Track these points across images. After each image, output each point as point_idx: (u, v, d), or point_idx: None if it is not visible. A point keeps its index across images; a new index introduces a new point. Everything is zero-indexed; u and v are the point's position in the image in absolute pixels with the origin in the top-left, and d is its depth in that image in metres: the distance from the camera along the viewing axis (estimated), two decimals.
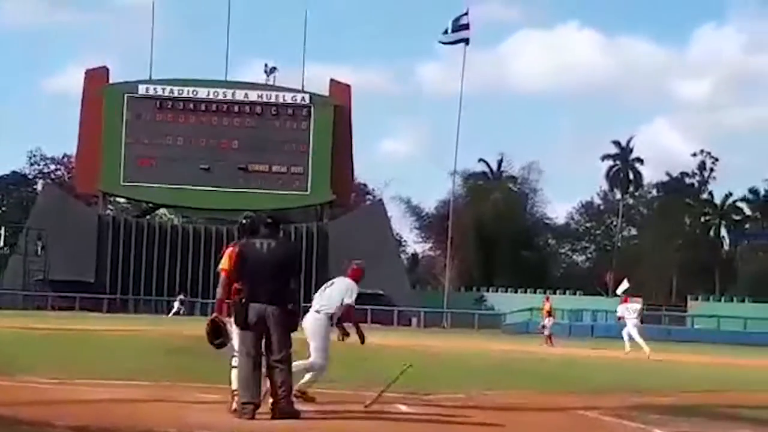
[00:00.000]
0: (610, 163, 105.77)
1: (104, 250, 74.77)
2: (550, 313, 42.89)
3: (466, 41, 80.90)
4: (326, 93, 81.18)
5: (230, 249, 11.55)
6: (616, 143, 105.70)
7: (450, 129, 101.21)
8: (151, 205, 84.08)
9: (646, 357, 29.30)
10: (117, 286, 73.49)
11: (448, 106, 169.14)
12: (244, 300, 10.99)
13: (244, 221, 11.88)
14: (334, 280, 13.80)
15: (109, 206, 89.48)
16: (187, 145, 77.53)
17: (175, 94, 78.55)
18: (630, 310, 34.19)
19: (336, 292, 13.39)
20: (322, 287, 13.51)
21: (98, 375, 15.12)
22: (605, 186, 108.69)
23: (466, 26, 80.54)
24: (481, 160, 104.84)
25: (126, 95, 77.54)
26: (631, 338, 33.10)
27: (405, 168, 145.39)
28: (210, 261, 66.07)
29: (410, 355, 25.68)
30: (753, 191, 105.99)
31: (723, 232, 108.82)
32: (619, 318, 34.61)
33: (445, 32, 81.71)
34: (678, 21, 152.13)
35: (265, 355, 11.01)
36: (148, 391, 13.20)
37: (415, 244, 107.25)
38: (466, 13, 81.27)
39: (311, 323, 12.86)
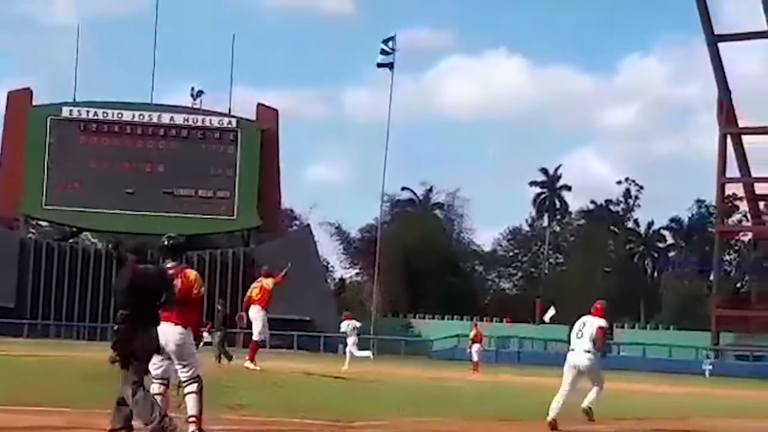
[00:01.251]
0: (538, 190, 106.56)
1: (25, 275, 73.67)
2: (475, 340, 42.62)
3: (391, 66, 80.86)
4: (253, 117, 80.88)
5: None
6: (544, 171, 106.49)
7: (378, 154, 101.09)
8: (74, 229, 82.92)
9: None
10: (38, 311, 72.43)
11: (377, 132, 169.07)
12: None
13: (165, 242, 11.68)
14: (584, 321, 16.31)
15: (32, 230, 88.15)
16: (112, 169, 76.74)
17: (100, 116, 77.82)
18: (350, 327, 36.63)
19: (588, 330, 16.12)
20: (577, 331, 16.20)
21: (13, 401, 14.58)
22: (533, 213, 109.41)
23: (392, 51, 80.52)
24: (405, 188, 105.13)
25: (49, 117, 76.68)
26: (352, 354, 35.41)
27: (333, 193, 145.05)
28: None
29: (332, 382, 25.34)
30: (676, 220, 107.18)
31: (647, 259, 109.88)
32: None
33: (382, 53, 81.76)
34: (604, 50, 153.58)
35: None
36: (67, 418, 12.74)
37: (342, 269, 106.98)
38: (393, 38, 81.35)
39: (592, 363, 16.11)
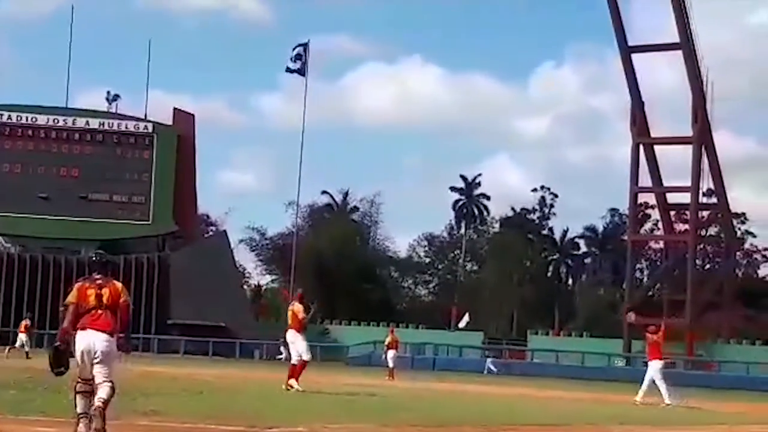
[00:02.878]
0: (456, 196, 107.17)
1: None
2: (391, 346, 42.49)
3: (300, 72, 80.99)
4: (170, 122, 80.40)
5: (79, 284, 11.97)
6: (463, 178, 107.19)
7: (294, 161, 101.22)
8: None
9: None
10: None
11: (293, 138, 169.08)
12: None
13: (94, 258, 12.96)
14: None
15: None
16: (26, 173, 75.94)
17: (14, 120, 76.98)
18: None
19: None
20: None
21: None
22: (450, 220, 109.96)
23: (303, 57, 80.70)
24: (324, 191, 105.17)
25: None
26: None
27: (249, 199, 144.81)
28: (48, 290, 64.63)
29: (250, 387, 25.33)
30: (590, 228, 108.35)
31: (562, 267, 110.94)
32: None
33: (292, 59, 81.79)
34: (519, 60, 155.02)
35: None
36: None
37: (258, 275, 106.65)
38: (305, 44, 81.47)
39: None
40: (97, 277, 12.01)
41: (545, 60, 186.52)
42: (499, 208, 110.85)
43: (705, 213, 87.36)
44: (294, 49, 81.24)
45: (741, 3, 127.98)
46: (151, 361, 41.62)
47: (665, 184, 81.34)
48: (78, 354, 11.51)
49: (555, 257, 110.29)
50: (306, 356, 23.64)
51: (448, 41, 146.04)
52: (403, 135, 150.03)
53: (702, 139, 76.65)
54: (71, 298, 11.84)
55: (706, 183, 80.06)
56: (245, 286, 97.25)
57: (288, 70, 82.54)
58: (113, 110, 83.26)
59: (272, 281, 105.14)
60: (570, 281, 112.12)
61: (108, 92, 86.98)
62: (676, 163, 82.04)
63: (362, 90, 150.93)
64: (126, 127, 79.14)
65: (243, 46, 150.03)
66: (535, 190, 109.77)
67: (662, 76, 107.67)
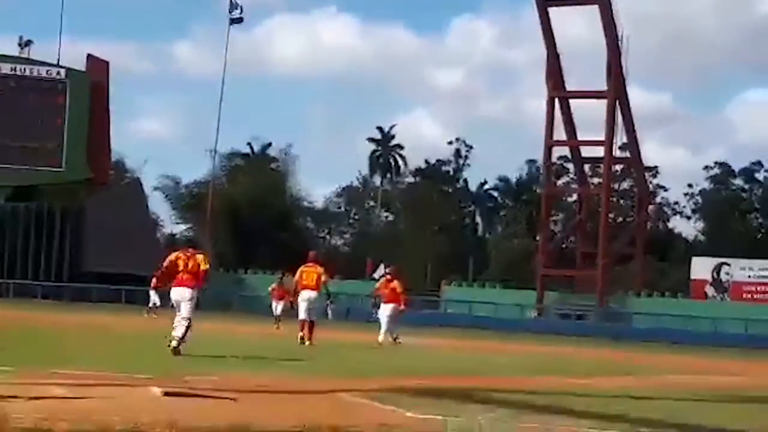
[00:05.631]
0: (373, 147, 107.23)
1: None
2: (275, 295, 40.54)
3: (240, 21, 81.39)
4: (83, 68, 79.29)
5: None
6: (379, 129, 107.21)
7: (211, 110, 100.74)
8: None
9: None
10: None
11: (209, 87, 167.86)
12: None
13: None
14: None
15: None
16: None
17: None
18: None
19: None
20: None
21: None
22: (366, 171, 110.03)
23: (237, 6, 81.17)
24: (248, 143, 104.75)
25: None
26: None
27: (164, 147, 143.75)
28: None
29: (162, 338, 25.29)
30: (504, 179, 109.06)
31: (477, 218, 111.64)
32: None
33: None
34: (434, 11, 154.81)
35: None
36: None
37: (173, 224, 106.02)
38: None
39: None
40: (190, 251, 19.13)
41: (462, 12, 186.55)
42: (415, 160, 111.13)
43: (618, 166, 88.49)
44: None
45: None
46: (65, 308, 41.39)
47: (580, 137, 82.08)
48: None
49: (470, 209, 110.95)
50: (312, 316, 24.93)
51: None
52: (318, 86, 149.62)
53: (616, 93, 77.36)
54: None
55: (620, 137, 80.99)
56: (159, 235, 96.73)
57: (232, 21, 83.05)
58: (26, 56, 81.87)
59: (187, 230, 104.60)
60: (485, 233, 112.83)
61: (20, 38, 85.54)
62: (590, 117, 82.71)
63: (277, 40, 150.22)
64: (38, 73, 77.88)
65: None
66: (450, 142, 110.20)
67: (578, 30, 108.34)
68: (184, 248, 19.56)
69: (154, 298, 44.31)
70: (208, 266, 18.91)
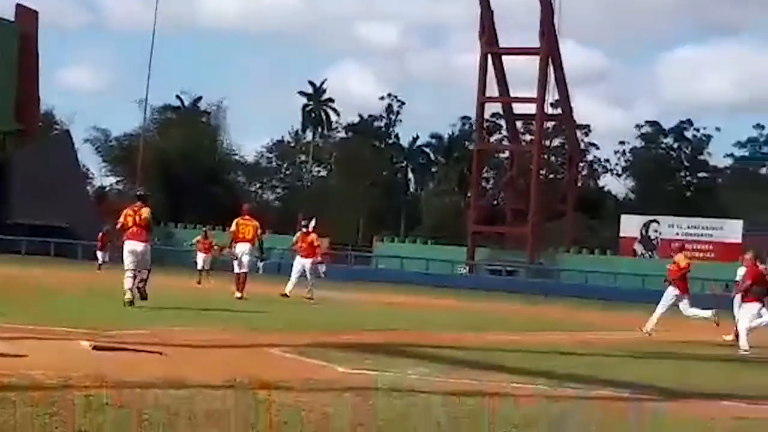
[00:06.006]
0: (304, 101, 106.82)
1: None
2: (200, 249, 39.81)
3: None
4: (12, 18, 78.06)
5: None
6: (311, 83, 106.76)
7: (142, 62, 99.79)
8: None
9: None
10: None
11: (140, 39, 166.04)
12: None
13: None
14: None
15: None
16: None
17: None
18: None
19: None
20: None
21: None
22: (297, 126, 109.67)
23: None
24: (178, 96, 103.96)
25: None
26: None
27: (95, 100, 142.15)
28: None
29: (86, 294, 25.10)
30: (436, 136, 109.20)
31: (410, 175, 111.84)
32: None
33: None
34: None
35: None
36: None
37: (103, 177, 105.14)
38: None
39: None
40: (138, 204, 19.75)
41: None
42: (347, 115, 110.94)
43: (551, 124, 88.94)
44: None
45: None
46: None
47: (512, 94, 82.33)
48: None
49: (402, 165, 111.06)
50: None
51: None
52: (251, 39, 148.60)
53: (549, 50, 77.62)
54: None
55: (552, 94, 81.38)
56: (89, 188, 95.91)
57: None
58: None
59: (117, 182, 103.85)
60: (417, 189, 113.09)
61: None
62: (523, 74, 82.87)
63: None
64: None
65: None
66: (382, 97, 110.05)
67: None
68: (132, 203, 20.21)
69: (101, 256, 44.09)
70: (148, 215, 19.60)
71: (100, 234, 44.59)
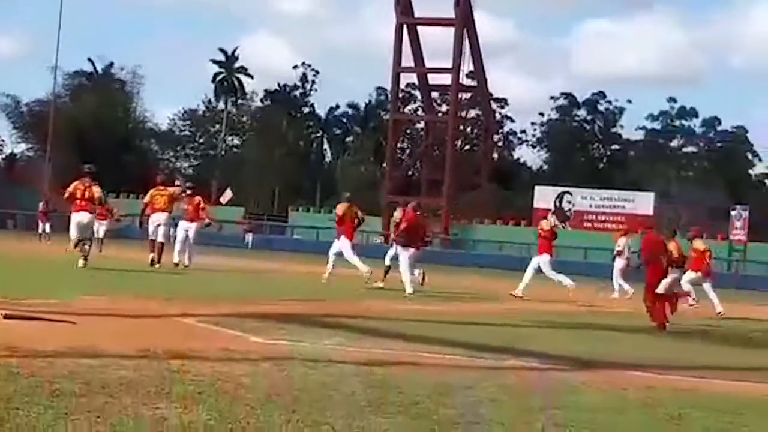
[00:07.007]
0: (217, 69, 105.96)
1: None
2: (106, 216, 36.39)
3: None
4: None
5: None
6: (223, 51, 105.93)
7: (51, 26, 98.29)
8: None
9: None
10: None
11: (51, 2, 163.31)
12: None
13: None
14: None
15: None
16: None
17: None
18: None
19: None
20: None
21: None
22: (210, 94, 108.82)
23: None
24: (89, 59, 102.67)
25: None
26: None
27: (3, 65, 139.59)
28: None
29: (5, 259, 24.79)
30: (352, 106, 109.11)
31: (326, 145, 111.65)
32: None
33: None
34: None
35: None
36: None
37: (13, 144, 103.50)
38: None
39: None
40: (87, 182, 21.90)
41: None
42: (261, 85, 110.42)
43: (467, 95, 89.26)
44: None
45: None
46: None
47: (428, 65, 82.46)
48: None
49: (318, 134, 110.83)
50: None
51: None
52: (166, 7, 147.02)
53: (463, 21, 77.83)
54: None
55: (467, 65, 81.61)
56: None
57: None
58: None
59: (28, 150, 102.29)
60: (333, 159, 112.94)
61: None
62: (439, 45, 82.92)
63: None
64: None
65: None
66: (296, 66, 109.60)
67: None
68: (82, 178, 22.39)
69: (42, 226, 46.06)
70: (101, 194, 22.39)
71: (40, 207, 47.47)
